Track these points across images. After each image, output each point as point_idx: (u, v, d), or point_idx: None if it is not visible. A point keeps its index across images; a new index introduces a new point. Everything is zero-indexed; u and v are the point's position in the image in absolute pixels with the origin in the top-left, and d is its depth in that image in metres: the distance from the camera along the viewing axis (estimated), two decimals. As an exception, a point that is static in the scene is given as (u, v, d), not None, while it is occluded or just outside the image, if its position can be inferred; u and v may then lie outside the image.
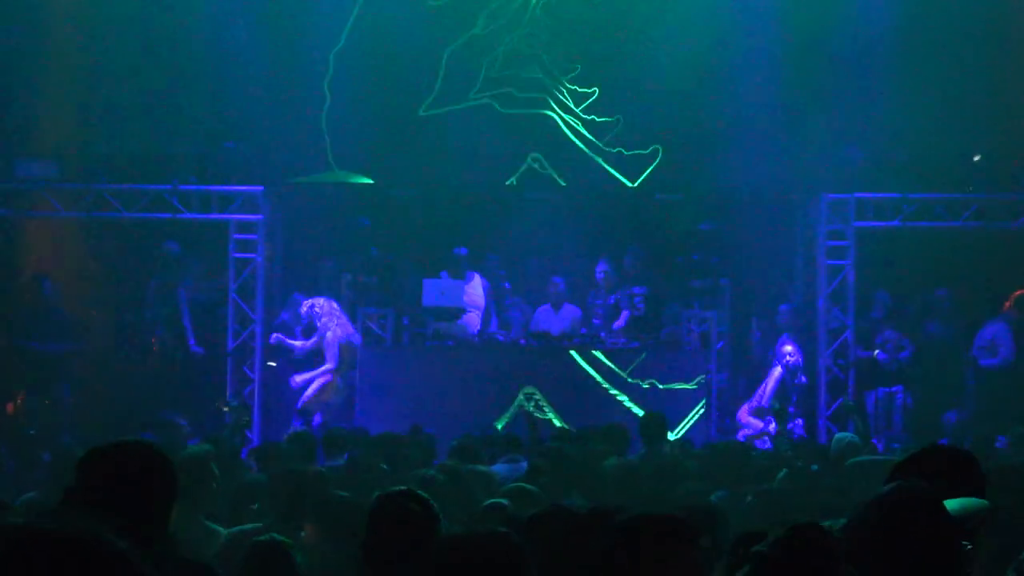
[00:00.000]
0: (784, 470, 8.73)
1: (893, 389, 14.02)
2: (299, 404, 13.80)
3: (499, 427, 12.08)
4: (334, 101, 14.42)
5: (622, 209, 15.07)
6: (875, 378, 14.17)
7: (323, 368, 14.07)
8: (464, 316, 14.22)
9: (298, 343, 14.00)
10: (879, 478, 3.56)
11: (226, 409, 12.42)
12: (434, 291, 14.11)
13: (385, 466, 8.43)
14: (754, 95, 14.24)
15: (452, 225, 14.95)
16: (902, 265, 14.52)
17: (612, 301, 14.39)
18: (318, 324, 13.92)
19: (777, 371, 14.12)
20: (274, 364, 14.39)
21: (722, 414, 14.43)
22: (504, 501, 6.10)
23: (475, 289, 14.43)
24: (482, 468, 8.66)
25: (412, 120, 14.63)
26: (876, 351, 14.16)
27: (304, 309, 13.86)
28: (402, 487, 4.58)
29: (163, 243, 14.50)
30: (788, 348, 13.97)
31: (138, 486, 3.54)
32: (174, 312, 14.31)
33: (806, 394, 14.23)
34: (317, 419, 13.98)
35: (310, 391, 13.83)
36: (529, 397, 13.35)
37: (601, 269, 14.51)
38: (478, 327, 14.33)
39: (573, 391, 13.45)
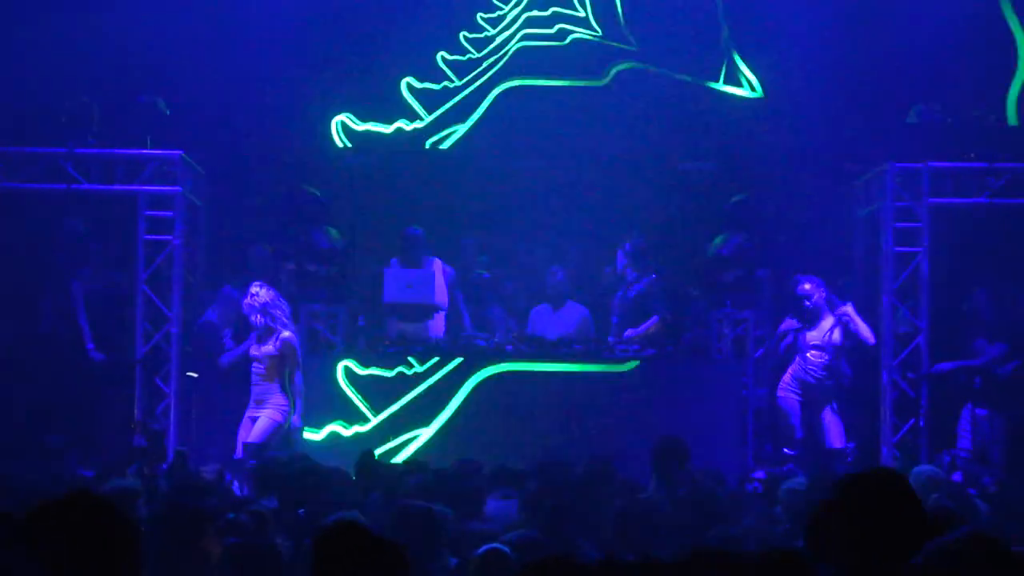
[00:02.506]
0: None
1: (981, 411, 13.11)
2: (250, 439, 12.40)
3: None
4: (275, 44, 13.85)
5: (636, 180, 14.48)
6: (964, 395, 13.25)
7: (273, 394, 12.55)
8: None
9: (267, 347, 12.46)
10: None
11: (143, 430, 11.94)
12: (399, 284, 13.20)
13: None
14: (803, 39, 13.89)
15: (421, 200, 14.44)
16: (986, 253, 13.82)
17: (633, 294, 13.55)
18: (269, 322, 12.48)
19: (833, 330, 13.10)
20: (195, 375, 13.31)
21: (760, 440, 13.45)
22: (505, 549, 6.19)
23: (435, 280, 13.55)
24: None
25: (376, 69, 14.37)
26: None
27: (249, 301, 12.44)
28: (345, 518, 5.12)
29: (64, 221, 13.90)
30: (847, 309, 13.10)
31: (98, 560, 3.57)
32: (66, 309, 13.52)
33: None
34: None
35: (263, 426, 12.41)
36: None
37: (621, 257, 13.75)
38: (442, 329, 13.41)
39: (567, 414, 12.66)
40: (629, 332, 13.41)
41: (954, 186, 13.46)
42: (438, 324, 13.47)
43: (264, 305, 12.46)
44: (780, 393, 13.14)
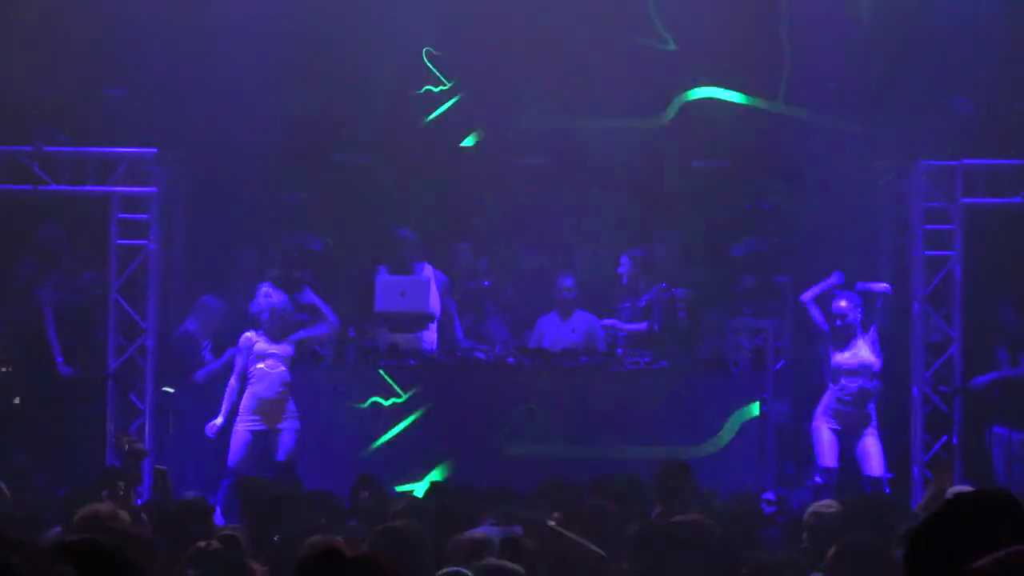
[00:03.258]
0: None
1: (1000, 429, 13.01)
2: (283, 457, 12.58)
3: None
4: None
5: (647, 181, 14.35)
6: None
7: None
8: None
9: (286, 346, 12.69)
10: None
11: (126, 448, 11.19)
12: (391, 292, 12.92)
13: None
14: (827, 27, 13.78)
15: (415, 202, 14.43)
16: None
17: (643, 304, 13.45)
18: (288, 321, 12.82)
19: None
20: (171, 390, 13.16)
21: (781, 458, 13.49)
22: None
23: (430, 288, 13.56)
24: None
25: (364, 62, 13.99)
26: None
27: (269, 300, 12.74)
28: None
29: (40, 226, 13.76)
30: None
31: None
32: (33, 319, 13.38)
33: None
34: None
35: (292, 440, 12.61)
36: None
37: (625, 262, 13.62)
38: (435, 340, 13.30)
39: (576, 428, 12.64)
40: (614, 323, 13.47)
41: (989, 185, 13.35)
42: (431, 335, 13.31)
43: (286, 305, 12.76)
44: (814, 423, 12.86)
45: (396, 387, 12.58)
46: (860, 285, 12.88)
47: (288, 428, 12.41)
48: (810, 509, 8.82)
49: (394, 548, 6.65)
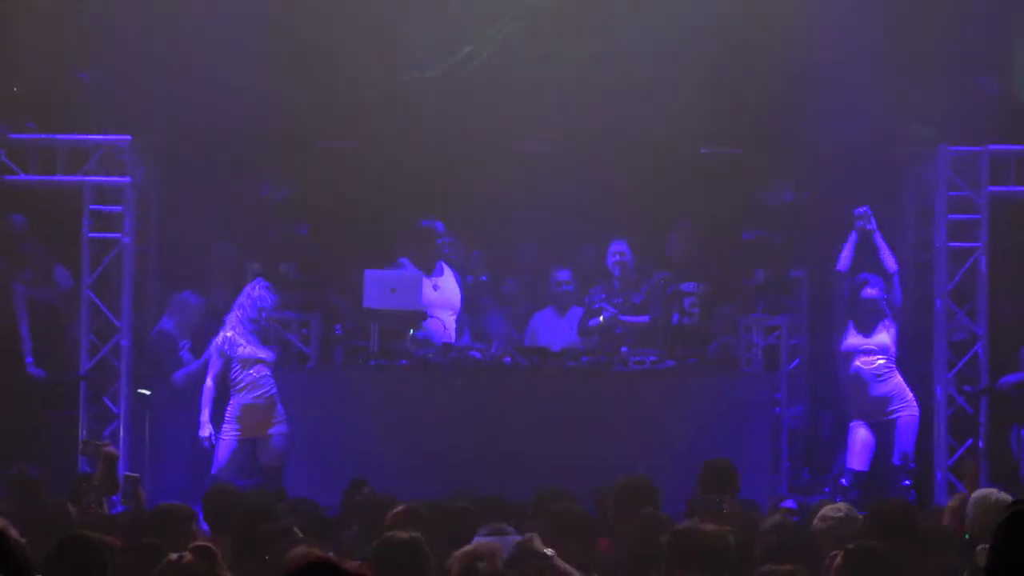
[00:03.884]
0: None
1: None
2: (271, 461, 12.62)
3: None
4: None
5: (652, 166, 14.06)
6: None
7: None
8: (430, 321, 13.12)
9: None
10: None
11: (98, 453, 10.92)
12: (381, 287, 12.65)
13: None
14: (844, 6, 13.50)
15: (403, 192, 14.12)
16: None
17: (639, 300, 13.42)
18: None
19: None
20: (148, 392, 13.17)
21: (795, 464, 13.49)
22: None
23: (448, 283, 13.47)
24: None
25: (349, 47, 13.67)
26: None
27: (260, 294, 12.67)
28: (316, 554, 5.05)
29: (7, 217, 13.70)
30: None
31: None
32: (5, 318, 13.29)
33: None
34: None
35: (282, 445, 12.62)
36: None
37: (616, 251, 13.50)
38: (452, 338, 13.28)
39: (577, 431, 12.41)
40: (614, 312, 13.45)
41: (1017, 173, 13.29)
42: (445, 329, 13.29)
43: (276, 302, 12.72)
44: (852, 422, 12.91)
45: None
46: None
47: (277, 434, 12.38)
48: (820, 513, 8.76)
49: (396, 560, 6.67)
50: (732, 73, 13.70)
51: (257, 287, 12.79)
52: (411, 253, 13.42)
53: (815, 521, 8.59)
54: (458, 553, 7.03)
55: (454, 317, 13.55)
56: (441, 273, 13.57)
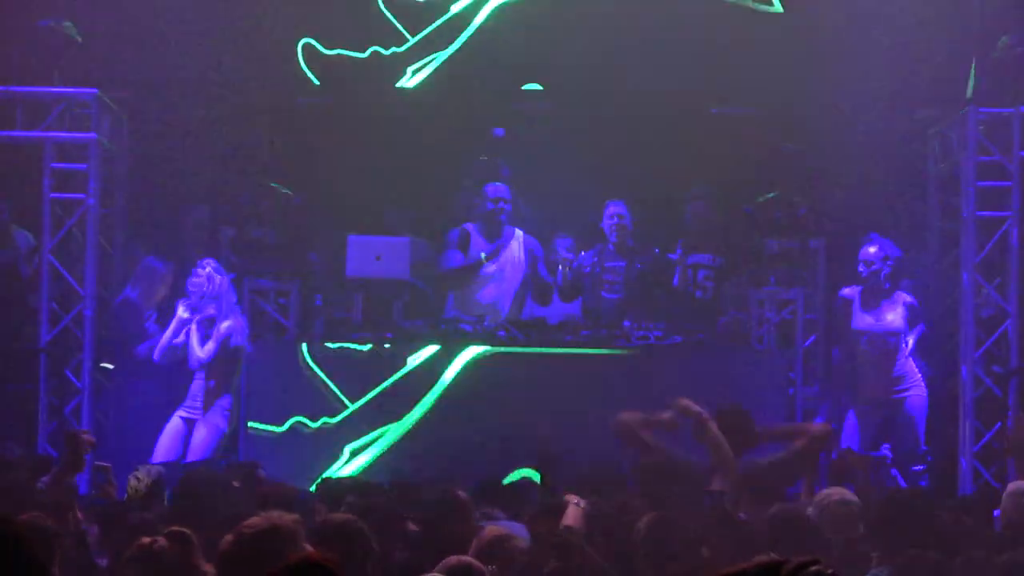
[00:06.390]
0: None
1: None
2: (194, 455, 12.69)
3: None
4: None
5: (659, 128, 13.90)
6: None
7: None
8: (483, 291, 13.34)
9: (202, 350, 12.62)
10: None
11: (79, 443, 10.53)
12: (365, 255, 12.69)
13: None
14: None
15: (394, 152, 13.94)
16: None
17: (640, 267, 13.28)
18: (217, 314, 12.67)
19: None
20: (111, 366, 12.99)
21: None
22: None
23: (515, 243, 13.49)
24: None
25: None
26: None
27: (203, 278, 12.59)
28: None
29: None
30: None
31: None
32: None
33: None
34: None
35: (208, 437, 12.60)
36: None
37: (615, 212, 13.27)
38: (505, 311, 13.38)
39: (576, 413, 12.13)
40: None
41: None
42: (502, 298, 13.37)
43: (218, 293, 12.61)
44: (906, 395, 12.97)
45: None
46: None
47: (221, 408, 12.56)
48: (815, 499, 8.90)
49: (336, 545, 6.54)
50: (743, 33, 13.55)
51: (204, 265, 12.64)
52: (476, 219, 13.33)
53: (809, 509, 8.58)
54: (479, 540, 7.14)
55: (513, 288, 13.50)
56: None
